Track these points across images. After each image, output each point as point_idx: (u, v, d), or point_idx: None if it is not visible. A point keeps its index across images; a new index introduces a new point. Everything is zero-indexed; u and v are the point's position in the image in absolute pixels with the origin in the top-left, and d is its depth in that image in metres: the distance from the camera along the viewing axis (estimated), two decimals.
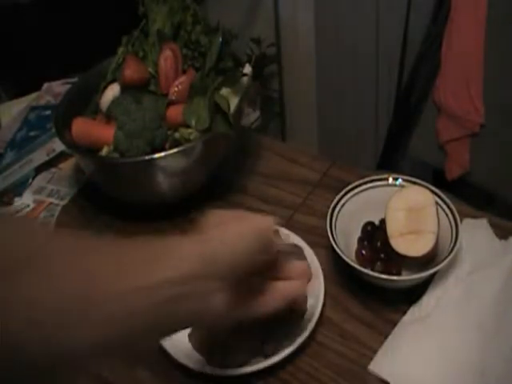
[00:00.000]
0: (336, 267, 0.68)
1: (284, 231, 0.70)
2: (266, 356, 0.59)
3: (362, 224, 0.69)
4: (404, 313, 0.63)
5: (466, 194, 1.10)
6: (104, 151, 0.76)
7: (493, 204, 1.18)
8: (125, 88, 0.79)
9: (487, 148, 1.13)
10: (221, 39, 0.78)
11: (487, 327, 0.59)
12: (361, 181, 0.71)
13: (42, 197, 0.88)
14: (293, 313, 0.62)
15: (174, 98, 0.77)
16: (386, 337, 0.61)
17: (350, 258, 0.63)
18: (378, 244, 0.66)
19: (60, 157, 0.94)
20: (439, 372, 0.57)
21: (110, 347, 0.40)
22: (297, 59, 1.75)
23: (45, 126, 1.00)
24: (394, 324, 0.62)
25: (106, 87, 0.81)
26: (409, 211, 0.65)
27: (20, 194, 0.89)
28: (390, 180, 0.71)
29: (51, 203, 0.87)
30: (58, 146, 0.93)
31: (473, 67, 1.10)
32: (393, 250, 0.63)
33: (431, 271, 0.61)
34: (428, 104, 1.20)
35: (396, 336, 0.61)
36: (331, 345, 0.62)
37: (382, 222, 0.68)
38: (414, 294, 0.64)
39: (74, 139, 0.78)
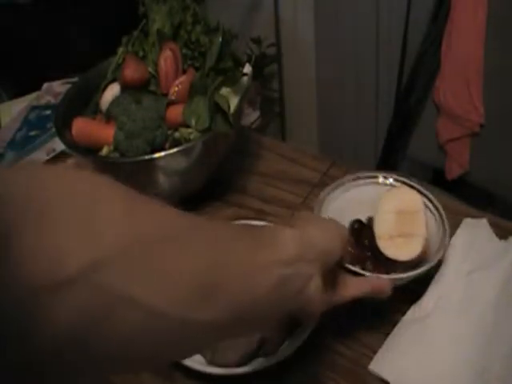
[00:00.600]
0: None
1: None
2: (266, 356, 0.59)
3: (349, 221, 0.68)
4: (404, 313, 0.63)
5: (466, 194, 1.10)
6: (104, 151, 0.76)
7: (493, 204, 1.18)
8: (125, 88, 0.79)
9: (487, 148, 1.13)
10: (221, 39, 0.78)
11: (487, 327, 0.59)
12: (349, 177, 0.71)
13: None
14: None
15: (173, 97, 0.77)
16: (386, 337, 0.61)
17: None
18: (366, 242, 0.65)
19: (60, 157, 0.94)
20: (439, 372, 0.57)
21: (223, 334, 0.38)
22: (297, 59, 1.75)
23: (45, 125, 1.00)
24: (394, 324, 0.62)
25: (106, 87, 0.81)
26: (399, 214, 0.65)
27: None
28: (381, 179, 0.71)
29: None
30: (58, 145, 0.93)
31: (473, 67, 1.10)
32: (381, 253, 0.63)
33: (417, 272, 0.60)
34: (428, 104, 1.20)
35: (396, 336, 0.61)
36: (331, 345, 0.62)
37: (370, 220, 0.67)
38: (413, 294, 0.64)
39: (74, 139, 0.78)
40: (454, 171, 1.17)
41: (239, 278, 0.38)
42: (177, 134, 0.75)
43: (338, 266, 0.51)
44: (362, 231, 0.67)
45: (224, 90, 0.76)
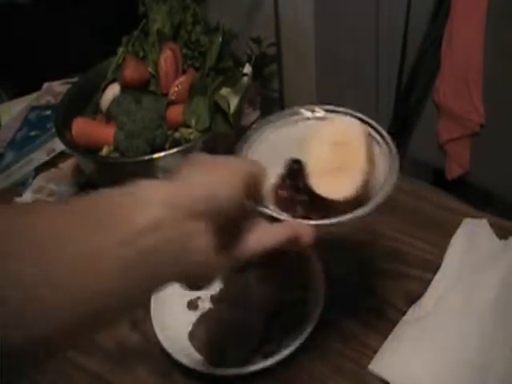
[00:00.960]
0: (336, 267, 0.68)
1: None
2: (266, 356, 0.59)
3: (284, 161, 0.58)
4: (404, 313, 0.63)
5: (466, 193, 1.09)
6: (104, 151, 0.76)
7: (493, 204, 1.18)
8: (125, 88, 0.79)
9: (487, 148, 1.13)
10: (221, 39, 0.78)
11: (487, 327, 0.59)
12: (279, 113, 0.61)
13: (42, 197, 0.88)
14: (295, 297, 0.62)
15: (173, 97, 0.77)
16: (386, 337, 0.61)
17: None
18: (300, 185, 0.56)
19: (60, 157, 0.94)
20: (439, 372, 0.57)
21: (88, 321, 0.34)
22: (297, 59, 1.75)
23: (45, 125, 1.00)
24: (394, 324, 0.62)
25: (106, 87, 0.81)
26: (334, 146, 0.54)
27: (20, 194, 0.89)
28: (306, 112, 0.61)
29: None
30: (58, 146, 0.93)
31: (473, 67, 1.10)
32: (315, 193, 0.53)
33: (352, 215, 0.50)
34: (428, 104, 1.20)
35: (396, 336, 0.61)
36: (331, 345, 0.62)
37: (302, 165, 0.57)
38: (414, 294, 0.64)
39: (74, 139, 0.78)
40: (454, 171, 1.17)
41: (70, 273, 0.33)
42: (177, 134, 0.75)
43: (244, 212, 0.46)
44: (299, 172, 0.57)
45: (224, 90, 0.76)
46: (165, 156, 0.71)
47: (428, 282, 0.64)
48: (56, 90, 1.08)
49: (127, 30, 0.84)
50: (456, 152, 1.16)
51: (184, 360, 0.59)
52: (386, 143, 0.56)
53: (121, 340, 0.65)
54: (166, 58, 0.79)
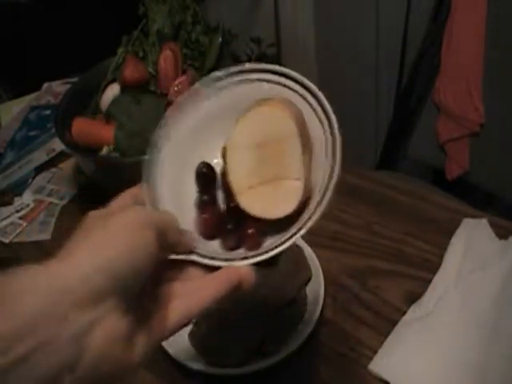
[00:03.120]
0: (336, 267, 0.68)
1: None
2: (266, 356, 0.59)
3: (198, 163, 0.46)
4: (404, 313, 0.63)
5: (466, 193, 1.09)
6: (104, 151, 0.76)
7: (493, 204, 1.18)
8: (125, 88, 0.79)
9: (487, 148, 1.13)
10: (220, 39, 0.78)
11: (487, 327, 0.59)
12: (202, 82, 0.48)
13: (42, 196, 0.88)
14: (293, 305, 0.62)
15: (173, 97, 0.77)
16: (386, 337, 0.61)
17: (187, 226, 0.42)
18: (218, 200, 0.46)
19: (60, 157, 0.94)
20: (439, 371, 0.57)
21: None
22: (297, 59, 1.75)
23: (45, 125, 1.00)
24: (394, 324, 0.62)
25: (105, 87, 0.81)
26: (259, 148, 0.43)
27: (20, 194, 0.89)
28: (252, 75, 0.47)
29: (51, 203, 0.87)
30: (58, 146, 0.93)
31: (473, 67, 1.10)
32: (246, 212, 0.43)
33: (291, 240, 0.39)
34: (428, 104, 1.20)
35: (396, 336, 0.61)
36: (331, 345, 0.62)
37: (224, 158, 0.44)
38: (414, 294, 0.64)
39: (74, 139, 0.78)
40: (454, 171, 1.17)
41: None
42: None
43: (161, 274, 0.38)
44: (213, 182, 0.46)
45: None
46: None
47: (428, 282, 0.64)
48: (56, 90, 1.08)
49: (127, 30, 0.84)
50: (456, 152, 1.16)
51: (184, 360, 0.59)
52: (328, 119, 0.45)
53: None
54: (166, 57, 0.79)
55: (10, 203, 0.88)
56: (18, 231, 0.83)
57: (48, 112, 1.03)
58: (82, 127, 0.78)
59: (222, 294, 0.38)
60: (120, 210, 0.38)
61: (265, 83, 0.48)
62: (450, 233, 0.69)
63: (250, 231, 0.43)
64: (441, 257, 0.67)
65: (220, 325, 0.62)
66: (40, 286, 0.29)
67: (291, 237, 0.39)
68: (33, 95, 1.08)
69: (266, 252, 0.40)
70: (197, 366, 0.58)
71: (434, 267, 0.66)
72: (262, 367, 0.58)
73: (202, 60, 0.79)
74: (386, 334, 0.61)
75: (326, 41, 1.64)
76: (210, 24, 0.82)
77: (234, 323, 0.62)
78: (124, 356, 0.32)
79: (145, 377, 0.61)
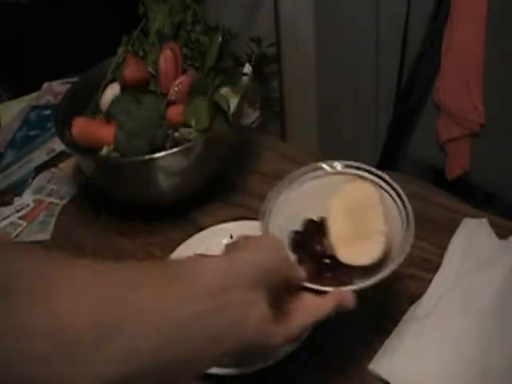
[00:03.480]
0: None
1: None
2: (266, 355, 0.59)
3: (301, 221, 0.61)
4: (404, 312, 0.63)
5: (466, 193, 1.09)
6: (104, 151, 0.76)
7: (493, 204, 1.18)
8: (125, 88, 0.79)
9: (487, 148, 1.13)
10: (221, 39, 0.78)
11: (487, 327, 0.59)
12: (295, 173, 0.63)
13: (42, 196, 0.88)
14: None
15: (173, 97, 0.77)
16: (386, 336, 0.61)
17: None
18: (318, 248, 0.58)
19: (60, 157, 0.94)
20: (439, 371, 0.57)
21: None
22: (297, 59, 1.75)
23: (45, 125, 1.00)
24: (394, 324, 0.62)
25: (105, 87, 0.81)
26: (351, 213, 0.58)
27: (20, 194, 0.89)
28: (328, 168, 0.63)
29: (51, 203, 0.87)
30: (58, 145, 0.93)
31: (473, 67, 1.10)
32: (339, 260, 0.57)
33: (382, 275, 0.53)
34: (428, 104, 1.20)
35: (396, 335, 0.61)
36: (331, 344, 0.62)
37: (322, 222, 0.60)
38: (414, 294, 0.64)
39: (74, 139, 0.77)
40: (454, 171, 1.17)
41: (143, 319, 0.34)
42: (177, 134, 0.75)
43: (290, 287, 0.48)
44: (315, 236, 0.59)
45: (224, 90, 0.76)
46: (165, 156, 0.71)
47: (428, 282, 0.64)
48: (56, 89, 1.08)
49: (127, 30, 0.84)
50: (456, 152, 1.16)
51: None
52: (401, 199, 0.59)
53: None
54: (166, 57, 0.79)
55: (9, 203, 0.88)
56: (17, 231, 0.83)
57: (48, 112, 1.03)
58: (82, 127, 0.78)
59: (330, 310, 0.48)
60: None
61: (342, 176, 0.63)
62: (450, 233, 0.69)
63: (345, 279, 0.55)
64: (441, 257, 0.67)
65: None
66: (221, 267, 0.40)
67: (381, 277, 0.53)
68: (33, 95, 1.08)
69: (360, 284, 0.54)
70: None
71: (433, 267, 0.66)
72: (262, 367, 0.58)
73: (202, 60, 0.79)
74: (386, 334, 0.61)
75: (326, 41, 1.64)
76: (209, 24, 0.82)
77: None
78: (270, 336, 0.42)
79: None
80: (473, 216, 0.71)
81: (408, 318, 0.62)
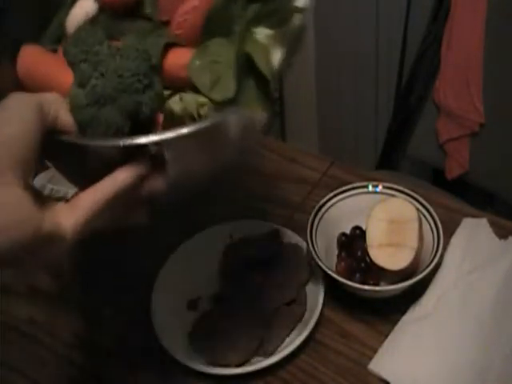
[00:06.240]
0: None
1: (285, 231, 0.70)
2: (266, 355, 0.59)
3: (349, 229, 0.69)
4: (404, 312, 0.63)
5: (466, 193, 1.10)
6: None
7: (493, 204, 1.18)
8: (103, 8, 0.49)
9: (487, 148, 1.13)
10: None
11: (487, 327, 0.59)
12: (342, 189, 0.71)
13: None
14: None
15: (178, 33, 0.47)
16: (386, 336, 0.61)
17: (330, 267, 0.63)
18: (359, 253, 0.65)
19: None
20: (439, 371, 0.57)
21: None
22: (296, 59, 1.75)
23: None
24: (394, 323, 0.62)
25: (74, 1, 0.52)
26: (391, 223, 0.65)
27: None
28: (370, 187, 0.71)
29: None
30: None
31: (473, 67, 1.10)
32: (372, 262, 0.63)
33: (407, 283, 0.61)
34: (428, 104, 1.20)
35: (396, 335, 0.61)
36: (331, 344, 0.62)
37: (363, 230, 0.68)
38: (414, 294, 0.64)
39: (20, 79, 0.48)
40: (454, 171, 1.17)
41: None
42: (177, 104, 0.46)
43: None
44: (354, 242, 0.67)
45: (262, 33, 0.46)
46: (155, 143, 0.41)
47: (428, 282, 0.64)
48: None
49: None
50: (456, 151, 1.16)
51: (184, 360, 0.59)
52: (434, 221, 0.66)
53: (121, 340, 0.65)
54: None
55: None
56: None
57: None
58: (32, 63, 0.48)
59: (130, 179, 0.41)
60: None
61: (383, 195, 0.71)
62: (449, 232, 0.69)
63: (372, 281, 0.63)
64: (441, 257, 0.67)
65: (220, 325, 0.62)
66: None
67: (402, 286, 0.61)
68: None
69: None
70: (197, 366, 0.58)
71: (433, 267, 0.66)
72: (262, 367, 0.58)
73: None
74: (386, 334, 0.61)
75: (326, 41, 1.64)
76: None
77: (234, 323, 0.62)
78: (35, 212, 0.35)
79: (145, 376, 0.61)
80: (473, 216, 0.71)
81: (408, 318, 0.62)
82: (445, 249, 0.67)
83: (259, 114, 0.46)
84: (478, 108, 1.10)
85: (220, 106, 0.44)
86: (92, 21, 0.50)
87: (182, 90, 0.46)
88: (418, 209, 0.66)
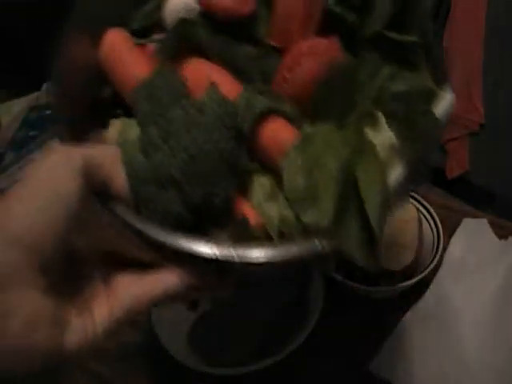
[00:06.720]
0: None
1: None
2: (266, 355, 0.59)
3: None
4: (404, 312, 0.63)
5: (466, 193, 1.10)
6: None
7: (493, 204, 1.18)
8: (204, 13, 0.39)
9: (487, 148, 1.13)
10: None
11: (487, 327, 0.59)
12: None
13: None
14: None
15: (292, 62, 0.36)
16: (386, 337, 0.61)
17: None
18: None
19: None
20: (439, 372, 0.57)
21: None
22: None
23: (45, 125, 1.00)
24: (395, 324, 0.62)
25: None
26: (389, 223, 0.65)
27: None
28: None
29: None
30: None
31: (473, 67, 1.10)
32: None
33: (407, 283, 0.61)
34: None
35: (396, 335, 0.61)
36: (331, 344, 0.62)
37: None
38: (414, 294, 0.64)
39: (101, 63, 0.42)
40: (454, 171, 1.17)
41: None
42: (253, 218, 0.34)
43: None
44: None
45: (382, 137, 0.34)
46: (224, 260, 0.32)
47: (428, 282, 0.64)
48: None
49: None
50: (456, 151, 1.17)
51: (184, 360, 0.59)
52: (434, 220, 0.66)
53: (121, 340, 0.65)
54: None
55: None
56: None
57: (48, 112, 1.03)
58: (118, 49, 0.41)
59: (155, 296, 0.33)
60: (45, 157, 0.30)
61: None
62: (450, 233, 0.69)
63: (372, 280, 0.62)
64: (441, 256, 0.67)
65: (220, 325, 0.62)
66: None
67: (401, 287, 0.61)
68: (33, 95, 1.08)
69: None
70: (197, 366, 0.58)
71: (433, 267, 0.66)
72: (262, 367, 0.58)
73: (359, 15, 0.37)
74: (386, 334, 0.61)
75: None
76: None
77: (234, 323, 0.62)
78: (52, 342, 0.28)
79: (145, 376, 0.61)
80: (473, 216, 0.71)
81: (408, 319, 0.62)
82: (445, 249, 0.68)
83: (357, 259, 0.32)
84: (478, 108, 1.10)
85: (308, 229, 0.33)
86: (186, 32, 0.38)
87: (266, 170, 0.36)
88: (418, 209, 0.66)
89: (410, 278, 0.61)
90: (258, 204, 0.35)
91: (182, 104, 0.34)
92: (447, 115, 0.35)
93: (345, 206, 0.32)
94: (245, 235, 0.33)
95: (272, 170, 0.35)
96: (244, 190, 0.35)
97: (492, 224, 0.69)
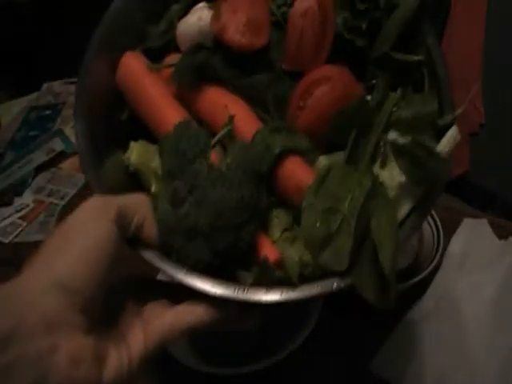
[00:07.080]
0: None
1: None
2: (266, 355, 0.59)
3: None
4: (404, 312, 0.63)
5: (466, 193, 1.09)
6: (153, 187, 0.39)
7: (493, 204, 1.18)
8: (219, 43, 0.40)
9: (487, 148, 1.13)
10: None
11: (487, 327, 0.59)
12: None
13: (42, 197, 0.88)
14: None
15: (308, 90, 0.37)
16: (386, 336, 0.61)
17: None
18: None
19: (60, 157, 0.94)
20: (439, 371, 0.57)
21: None
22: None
23: (45, 125, 1.00)
24: (395, 324, 0.62)
25: (190, 6, 0.42)
26: None
27: (20, 194, 0.89)
28: None
29: (51, 203, 0.87)
30: (58, 145, 0.93)
31: (473, 67, 1.10)
32: None
33: (407, 283, 0.61)
34: None
35: (396, 335, 0.61)
36: (331, 344, 0.62)
37: None
38: (414, 294, 0.64)
39: (118, 85, 0.43)
40: (454, 171, 1.17)
41: None
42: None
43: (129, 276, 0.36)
44: None
45: (391, 176, 0.36)
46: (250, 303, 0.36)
47: (428, 282, 0.64)
48: (56, 90, 1.08)
49: None
50: (456, 151, 1.16)
51: (184, 360, 0.59)
52: (434, 220, 0.66)
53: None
54: (307, 11, 0.38)
55: (9, 203, 0.88)
56: (17, 231, 0.83)
57: (48, 112, 1.03)
58: (135, 72, 0.41)
59: (192, 324, 0.35)
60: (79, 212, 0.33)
61: None
62: (450, 233, 0.69)
63: None
64: (441, 256, 0.67)
65: None
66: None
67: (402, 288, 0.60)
68: (33, 95, 1.08)
69: None
70: (197, 365, 0.58)
71: (434, 267, 0.66)
72: (262, 367, 0.58)
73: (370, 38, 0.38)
74: (386, 334, 0.61)
75: None
76: None
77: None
78: (92, 377, 0.30)
79: (144, 377, 0.61)
80: (473, 216, 0.71)
81: (408, 319, 0.62)
82: (445, 249, 0.67)
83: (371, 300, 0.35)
84: (478, 108, 1.10)
85: (325, 271, 0.35)
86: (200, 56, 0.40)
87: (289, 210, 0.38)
88: None
89: (410, 278, 0.61)
90: (277, 238, 0.37)
91: (206, 156, 0.36)
92: (450, 151, 0.39)
93: (359, 251, 0.34)
94: (267, 276, 0.35)
95: (288, 204, 0.38)
96: (264, 225, 0.38)
97: (492, 224, 0.69)
